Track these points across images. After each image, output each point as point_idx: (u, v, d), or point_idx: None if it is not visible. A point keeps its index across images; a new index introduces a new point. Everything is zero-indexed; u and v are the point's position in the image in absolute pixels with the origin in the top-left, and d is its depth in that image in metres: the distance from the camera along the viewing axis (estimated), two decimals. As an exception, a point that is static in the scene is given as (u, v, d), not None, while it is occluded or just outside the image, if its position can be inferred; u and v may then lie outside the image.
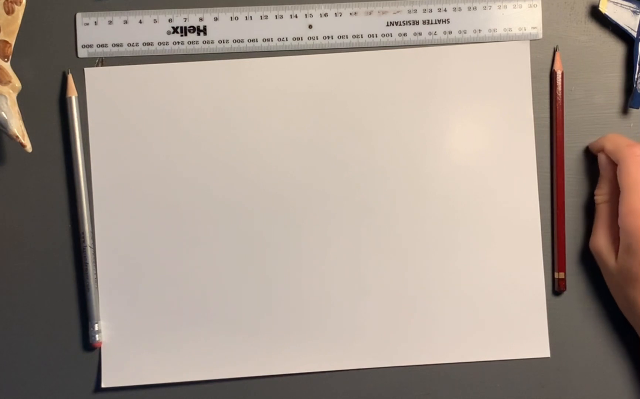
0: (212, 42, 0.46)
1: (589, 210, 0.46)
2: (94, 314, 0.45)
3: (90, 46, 0.45)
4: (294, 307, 0.46)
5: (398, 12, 0.46)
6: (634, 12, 0.45)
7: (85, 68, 0.45)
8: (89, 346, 0.46)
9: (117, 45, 0.45)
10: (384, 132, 0.46)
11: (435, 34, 0.46)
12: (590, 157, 0.46)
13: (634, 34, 0.45)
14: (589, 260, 0.46)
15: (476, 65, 0.46)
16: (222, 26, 0.46)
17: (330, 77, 0.46)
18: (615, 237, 0.43)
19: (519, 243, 0.46)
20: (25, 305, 0.45)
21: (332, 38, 0.46)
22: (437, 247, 0.46)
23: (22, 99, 0.44)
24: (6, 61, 0.43)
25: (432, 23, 0.46)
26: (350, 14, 0.46)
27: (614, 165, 0.44)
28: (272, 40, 0.46)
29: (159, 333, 0.45)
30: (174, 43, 0.46)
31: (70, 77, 0.45)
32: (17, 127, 0.42)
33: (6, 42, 0.43)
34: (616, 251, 0.43)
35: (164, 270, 0.45)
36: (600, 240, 0.44)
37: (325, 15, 0.46)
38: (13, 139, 0.42)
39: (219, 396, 0.46)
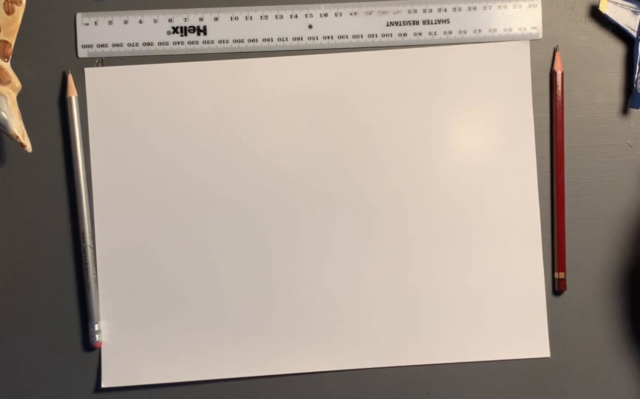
0: (212, 42, 0.46)
1: (590, 210, 0.46)
2: (94, 314, 0.45)
3: (90, 46, 0.45)
4: (294, 307, 0.46)
5: (398, 12, 0.46)
6: (634, 12, 0.45)
7: (85, 68, 0.45)
8: (89, 346, 0.46)
9: (117, 45, 0.45)
10: (384, 131, 0.46)
11: (435, 34, 0.46)
12: (591, 156, 0.46)
13: (634, 34, 0.45)
14: (589, 260, 0.46)
15: (476, 65, 0.46)
16: (222, 26, 0.46)
17: (330, 77, 0.46)
18: None
19: (519, 243, 0.46)
20: (25, 305, 0.45)
21: (332, 38, 0.46)
22: (436, 247, 0.46)
23: (22, 99, 0.45)
24: (6, 61, 0.43)
25: (432, 23, 0.46)
26: (350, 14, 0.46)
27: None
28: (272, 40, 0.46)
29: (159, 333, 0.45)
30: (174, 43, 0.46)
31: (70, 77, 0.45)
32: (17, 127, 0.42)
33: (6, 42, 0.43)
34: None
35: (164, 269, 0.45)
36: None
37: (325, 15, 0.46)
38: (13, 139, 0.42)
39: (218, 396, 0.46)
